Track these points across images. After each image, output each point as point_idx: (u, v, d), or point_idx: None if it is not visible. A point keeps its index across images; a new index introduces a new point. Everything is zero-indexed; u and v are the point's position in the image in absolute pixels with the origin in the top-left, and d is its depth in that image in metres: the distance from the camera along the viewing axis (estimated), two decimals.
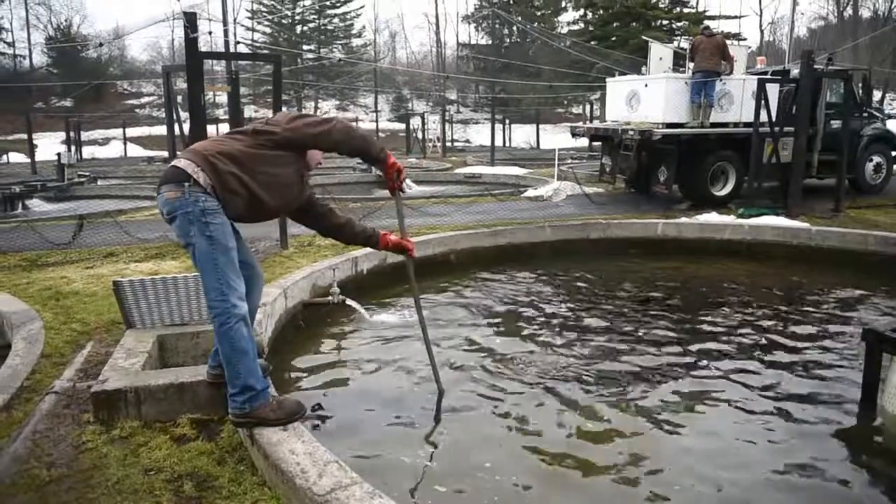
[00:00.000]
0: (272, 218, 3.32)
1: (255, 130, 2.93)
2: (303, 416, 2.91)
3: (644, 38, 16.76)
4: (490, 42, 48.73)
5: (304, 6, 46.73)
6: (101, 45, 36.78)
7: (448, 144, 29.05)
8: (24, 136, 23.35)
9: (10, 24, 41.74)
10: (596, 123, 17.24)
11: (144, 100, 43.35)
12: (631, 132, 10.60)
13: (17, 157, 26.17)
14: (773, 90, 10.16)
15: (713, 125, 10.54)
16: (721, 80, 10.47)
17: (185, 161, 2.79)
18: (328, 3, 46.92)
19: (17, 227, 8.42)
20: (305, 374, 4.35)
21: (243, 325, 2.85)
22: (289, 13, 46.38)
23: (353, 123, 3.12)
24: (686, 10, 36.72)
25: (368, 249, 6.56)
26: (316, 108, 42.83)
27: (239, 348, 2.82)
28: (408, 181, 16.11)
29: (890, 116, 12.88)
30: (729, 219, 8.78)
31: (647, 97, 10.86)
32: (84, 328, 4.58)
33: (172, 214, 2.79)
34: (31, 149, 21.98)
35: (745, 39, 36.10)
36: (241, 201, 2.88)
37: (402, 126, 32.84)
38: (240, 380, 2.82)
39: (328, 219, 3.45)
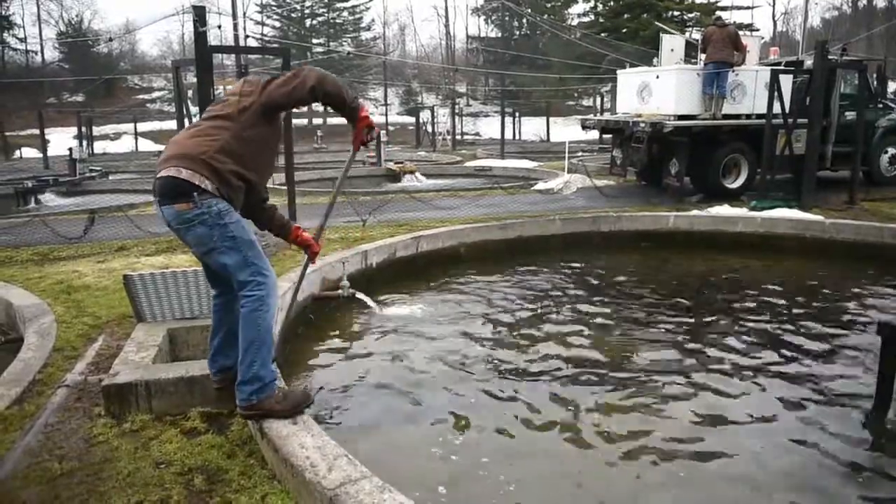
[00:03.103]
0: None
1: (239, 110, 2.83)
2: (309, 405, 2.93)
3: (657, 24, 16.61)
4: (500, 35, 48.54)
5: (313, 0, 46.68)
6: (111, 39, 36.91)
7: (458, 137, 28.98)
8: (37, 131, 23.53)
9: (22, 19, 42.14)
10: (607, 116, 17.16)
11: (155, 94, 43.51)
12: (642, 124, 10.51)
13: (29, 153, 26.35)
14: (786, 81, 10.03)
15: (725, 117, 10.43)
16: (733, 71, 10.35)
17: (187, 171, 2.71)
18: None
19: (30, 221, 8.48)
20: (315, 368, 4.36)
21: (272, 314, 2.87)
22: (298, 7, 46.38)
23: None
24: (698, 1, 36.37)
25: (379, 243, 6.64)
26: None
27: (261, 336, 2.82)
28: (417, 174, 16.22)
29: None
30: (741, 211, 8.70)
31: (659, 89, 10.75)
32: (95, 322, 4.59)
33: (189, 224, 2.76)
34: (43, 144, 22.15)
35: (757, 30, 35.84)
36: (242, 193, 2.90)
37: (412, 119, 32.80)
38: (253, 368, 2.82)
39: (262, 190, 3.27)
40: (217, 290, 3.10)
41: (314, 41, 45.29)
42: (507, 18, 47.24)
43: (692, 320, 5.28)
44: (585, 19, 41.34)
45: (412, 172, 16.23)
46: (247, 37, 36.37)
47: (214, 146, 2.77)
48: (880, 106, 11.61)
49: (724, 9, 35.23)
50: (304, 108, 38.24)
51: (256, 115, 2.83)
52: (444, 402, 3.80)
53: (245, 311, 2.82)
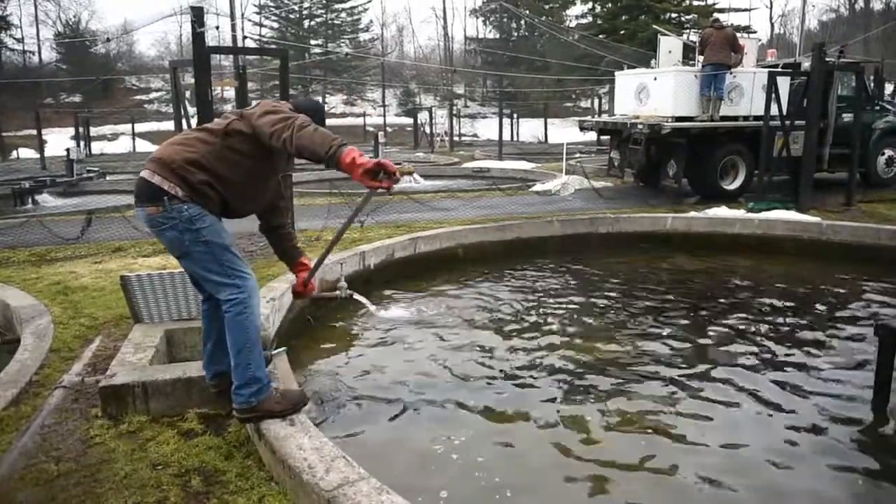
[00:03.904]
0: (240, 217, 3.11)
1: (226, 132, 2.78)
2: (306, 403, 2.95)
3: (655, 27, 16.63)
4: (498, 36, 48.51)
5: (311, 1, 46.66)
6: (109, 40, 36.85)
7: (456, 139, 28.97)
8: (34, 131, 23.43)
9: (20, 20, 42.01)
10: (604, 117, 17.16)
11: (153, 95, 43.42)
12: (640, 126, 10.52)
13: (26, 153, 26.30)
14: (783, 83, 10.05)
15: (723, 118, 10.45)
16: (731, 73, 10.37)
17: (158, 177, 2.71)
18: None
19: (27, 222, 8.46)
20: (312, 368, 4.35)
21: (256, 316, 2.85)
22: (296, 8, 46.34)
23: (312, 126, 2.64)
24: (695, 3, 36.44)
25: (377, 244, 6.64)
26: (323, 103, 42.79)
27: (251, 338, 2.82)
28: (415, 175, 16.20)
29: None
30: (739, 213, 8.71)
31: (657, 90, 10.76)
32: (92, 323, 4.58)
33: (160, 228, 2.76)
34: (40, 144, 22.08)
35: (755, 32, 35.91)
36: (215, 205, 2.83)
37: (410, 120, 32.79)
38: (249, 371, 2.81)
39: (279, 216, 3.26)
40: (204, 295, 3.09)
41: (312, 42, 45.28)
42: (505, 20, 47.22)
43: (690, 322, 5.28)
44: (583, 21, 41.44)
45: (410, 173, 16.19)
46: (245, 38, 36.39)
47: (187, 157, 2.74)
48: (877, 108, 11.64)
49: (721, 11, 35.34)
50: None
51: (242, 140, 2.77)
52: (443, 403, 3.80)
53: (229, 316, 2.81)
